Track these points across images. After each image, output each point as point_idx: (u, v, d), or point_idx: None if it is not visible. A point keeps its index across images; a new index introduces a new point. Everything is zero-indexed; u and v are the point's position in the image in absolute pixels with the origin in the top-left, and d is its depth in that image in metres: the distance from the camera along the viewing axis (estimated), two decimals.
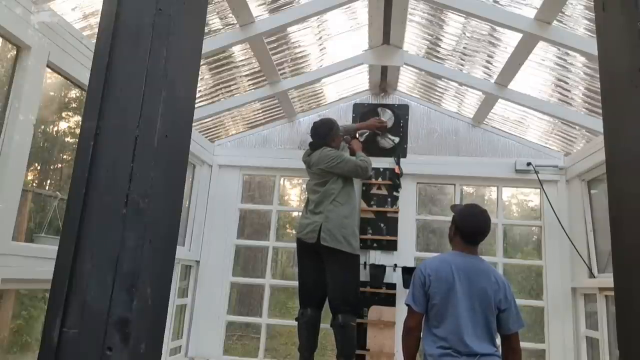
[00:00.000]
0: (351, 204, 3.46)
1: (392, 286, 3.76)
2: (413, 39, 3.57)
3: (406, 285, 3.59)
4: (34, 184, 2.85)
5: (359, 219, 3.84)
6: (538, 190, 3.96)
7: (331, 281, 3.26)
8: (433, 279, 2.37)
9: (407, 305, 2.44)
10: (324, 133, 3.58)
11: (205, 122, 4.03)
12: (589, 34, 2.68)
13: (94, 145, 0.84)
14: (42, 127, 2.86)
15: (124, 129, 0.85)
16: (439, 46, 3.52)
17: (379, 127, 4.03)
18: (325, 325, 3.39)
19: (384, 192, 3.97)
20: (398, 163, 4.00)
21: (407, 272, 3.68)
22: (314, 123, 3.69)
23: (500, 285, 2.36)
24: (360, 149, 3.73)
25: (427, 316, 2.40)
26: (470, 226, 2.47)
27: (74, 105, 3.22)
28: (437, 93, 4.14)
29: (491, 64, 3.43)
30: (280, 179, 4.31)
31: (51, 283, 0.80)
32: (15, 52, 2.15)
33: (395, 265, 3.78)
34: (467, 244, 2.46)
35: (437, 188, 4.46)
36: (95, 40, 0.96)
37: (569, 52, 2.94)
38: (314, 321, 3.29)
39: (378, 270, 3.74)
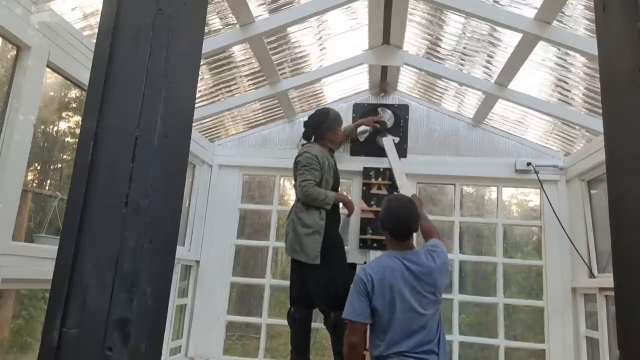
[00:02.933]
0: (313, 211, 3.24)
1: None
2: (413, 39, 3.56)
3: None
4: (34, 184, 2.85)
5: (331, 226, 3.35)
6: (538, 190, 3.96)
7: (311, 285, 3.22)
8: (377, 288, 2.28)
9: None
10: (315, 124, 3.53)
11: (205, 122, 4.03)
12: (589, 34, 2.68)
13: (94, 145, 0.84)
14: (42, 127, 2.86)
15: (124, 129, 0.85)
16: (439, 46, 3.51)
17: (377, 121, 4.02)
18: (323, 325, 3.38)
19: (384, 192, 3.97)
20: None
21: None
22: (315, 111, 3.66)
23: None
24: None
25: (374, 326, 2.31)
26: (394, 222, 2.41)
27: (74, 105, 3.22)
28: (437, 93, 4.14)
29: (491, 64, 3.43)
30: (280, 179, 4.31)
31: (51, 283, 0.80)
32: (15, 52, 2.15)
33: None
34: (399, 240, 2.39)
35: (437, 188, 4.46)
36: (95, 40, 0.95)
37: (569, 52, 2.94)
38: (298, 319, 3.27)
39: None
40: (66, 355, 0.76)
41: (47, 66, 2.29)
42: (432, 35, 3.47)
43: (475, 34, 3.20)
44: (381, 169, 3.99)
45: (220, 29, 3.07)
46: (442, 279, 2.34)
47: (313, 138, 3.60)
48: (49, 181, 3.15)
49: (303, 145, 3.57)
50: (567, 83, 3.32)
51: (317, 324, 3.57)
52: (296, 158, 3.44)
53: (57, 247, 0.82)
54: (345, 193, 3.90)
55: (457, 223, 3.99)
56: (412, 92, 4.23)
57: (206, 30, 2.96)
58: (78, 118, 3.12)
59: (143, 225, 0.82)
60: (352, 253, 3.91)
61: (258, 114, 4.25)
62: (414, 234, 2.60)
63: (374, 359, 2.30)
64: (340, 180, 3.68)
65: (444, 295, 3.85)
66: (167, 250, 0.89)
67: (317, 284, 3.18)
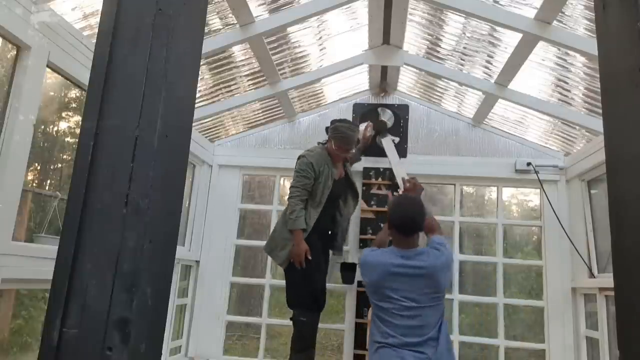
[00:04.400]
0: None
1: None
2: (413, 39, 3.56)
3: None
4: (34, 184, 2.86)
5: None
6: (538, 190, 3.96)
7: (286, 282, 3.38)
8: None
9: None
10: (334, 127, 3.41)
11: (205, 122, 4.03)
12: (589, 34, 2.68)
13: (94, 145, 0.84)
14: (42, 127, 2.86)
15: (124, 129, 0.85)
16: (439, 46, 3.51)
17: (369, 134, 3.90)
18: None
19: (384, 192, 3.97)
20: None
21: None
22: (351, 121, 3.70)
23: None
24: None
25: None
26: (400, 216, 2.50)
27: (74, 105, 3.22)
28: (437, 93, 4.14)
29: (491, 64, 3.43)
30: (280, 179, 4.31)
31: (51, 283, 0.80)
32: (15, 52, 2.15)
33: None
34: (404, 236, 2.49)
35: (437, 188, 4.46)
36: (95, 40, 0.95)
37: (569, 52, 2.94)
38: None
39: None
40: (66, 355, 0.76)
41: (47, 66, 2.29)
42: (432, 35, 3.47)
43: (475, 34, 3.20)
44: (381, 169, 3.99)
45: (220, 29, 3.07)
46: (444, 276, 2.37)
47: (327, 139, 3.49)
48: (49, 181, 3.15)
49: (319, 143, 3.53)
50: (567, 83, 3.32)
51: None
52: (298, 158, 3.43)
53: (57, 247, 0.82)
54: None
55: (457, 223, 3.99)
56: (412, 92, 4.23)
57: (206, 30, 2.96)
58: (78, 118, 3.12)
59: (143, 225, 0.82)
60: (352, 253, 3.91)
61: (258, 114, 4.25)
62: (420, 234, 2.63)
63: (372, 343, 2.41)
64: (345, 193, 3.54)
65: None
66: (167, 250, 0.89)
67: (286, 283, 3.34)
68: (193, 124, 1.18)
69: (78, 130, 0.93)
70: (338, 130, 3.37)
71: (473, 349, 4.06)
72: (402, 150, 4.04)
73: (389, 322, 2.31)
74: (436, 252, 2.45)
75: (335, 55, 3.73)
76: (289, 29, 3.24)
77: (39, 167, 2.98)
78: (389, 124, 4.09)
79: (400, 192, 3.33)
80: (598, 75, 1.09)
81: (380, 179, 3.99)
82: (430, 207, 3.09)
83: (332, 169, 3.37)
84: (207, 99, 3.76)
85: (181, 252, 3.85)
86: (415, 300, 2.31)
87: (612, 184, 0.90)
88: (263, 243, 4.13)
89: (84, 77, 2.33)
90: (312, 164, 3.28)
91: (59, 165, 3.24)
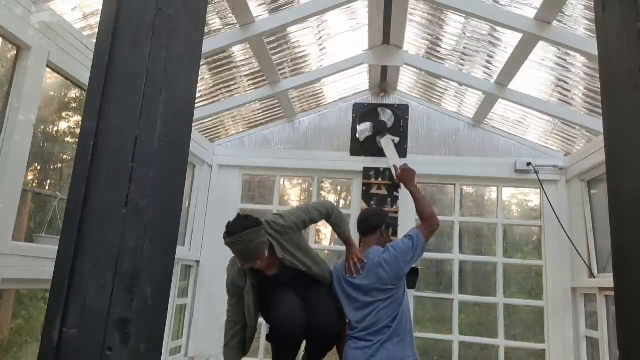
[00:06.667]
0: None
1: None
2: (413, 39, 3.56)
3: (410, 285, 3.58)
4: (34, 184, 2.85)
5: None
6: (538, 190, 3.96)
7: None
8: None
9: None
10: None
11: (205, 122, 4.03)
12: (589, 34, 2.68)
13: (94, 145, 0.84)
14: (42, 127, 2.86)
15: (124, 129, 0.85)
16: (439, 46, 3.51)
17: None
18: None
19: (384, 192, 3.97)
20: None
21: (409, 273, 3.66)
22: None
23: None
24: None
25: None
26: (359, 218, 2.84)
27: (74, 105, 3.22)
28: (437, 93, 4.14)
29: (491, 64, 3.43)
30: (280, 179, 4.31)
31: (51, 283, 0.80)
32: (15, 52, 2.15)
33: None
34: (362, 236, 2.74)
35: (437, 188, 4.46)
36: (95, 40, 0.95)
37: (569, 52, 2.94)
38: None
39: None
40: (66, 355, 0.76)
41: (47, 66, 2.29)
42: (432, 35, 3.47)
43: (475, 34, 3.20)
44: (381, 169, 3.99)
45: (220, 29, 3.07)
46: (387, 271, 2.52)
47: None
48: (49, 181, 3.15)
49: None
50: (567, 83, 3.32)
51: None
52: None
53: (57, 247, 0.82)
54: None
55: (457, 223, 3.98)
56: (412, 92, 4.23)
57: (206, 30, 2.96)
58: (78, 118, 3.12)
59: (143, 225, 0.82)
60: None
61: (258, 114, 4.25)
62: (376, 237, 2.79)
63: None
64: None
65: (443, 295, 3.92)
66: (167, 250, 0.89)
67: None
68: (193, 124, 1.18)
69: (78, 130, 0.93)
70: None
71: (473, 349, 4.05)
72: (402, 150, 4.04)
73: (350, 317, 2.55)
74: (384, 252, 2.58)
75: (335, 55, 3.73)
76: (289, 29, 3.24)
77: (39, 167, 2.98)
78: (389, 124, 4.08)
79: (393, 170, 3.36)
80: (598, 75, 1.09)
81: (380, 179, 3.99)
82: (426, 197, 3.04)
83: (251, 278, 2.52)
84: (207, 99, 3.76)
85: (181, 252, 3.85)
86: (360, 298, 2.52)
87: (612, 184, 0.90)
88: None
89: (84, 77, 2.33)
90: (229, 283, 2.61)
91: (59, 165, 3.24)
